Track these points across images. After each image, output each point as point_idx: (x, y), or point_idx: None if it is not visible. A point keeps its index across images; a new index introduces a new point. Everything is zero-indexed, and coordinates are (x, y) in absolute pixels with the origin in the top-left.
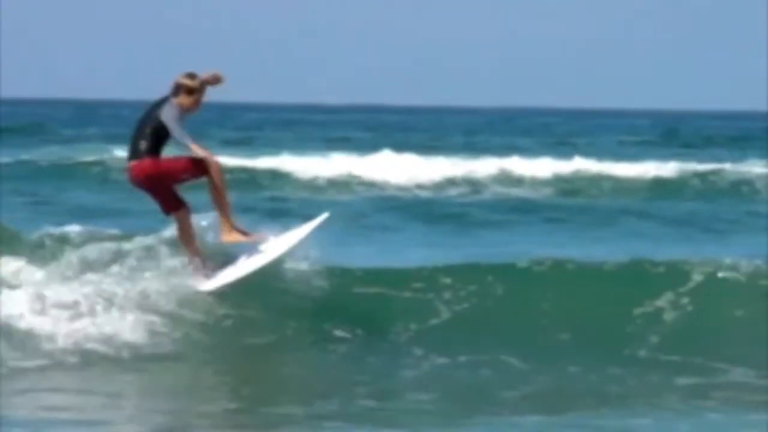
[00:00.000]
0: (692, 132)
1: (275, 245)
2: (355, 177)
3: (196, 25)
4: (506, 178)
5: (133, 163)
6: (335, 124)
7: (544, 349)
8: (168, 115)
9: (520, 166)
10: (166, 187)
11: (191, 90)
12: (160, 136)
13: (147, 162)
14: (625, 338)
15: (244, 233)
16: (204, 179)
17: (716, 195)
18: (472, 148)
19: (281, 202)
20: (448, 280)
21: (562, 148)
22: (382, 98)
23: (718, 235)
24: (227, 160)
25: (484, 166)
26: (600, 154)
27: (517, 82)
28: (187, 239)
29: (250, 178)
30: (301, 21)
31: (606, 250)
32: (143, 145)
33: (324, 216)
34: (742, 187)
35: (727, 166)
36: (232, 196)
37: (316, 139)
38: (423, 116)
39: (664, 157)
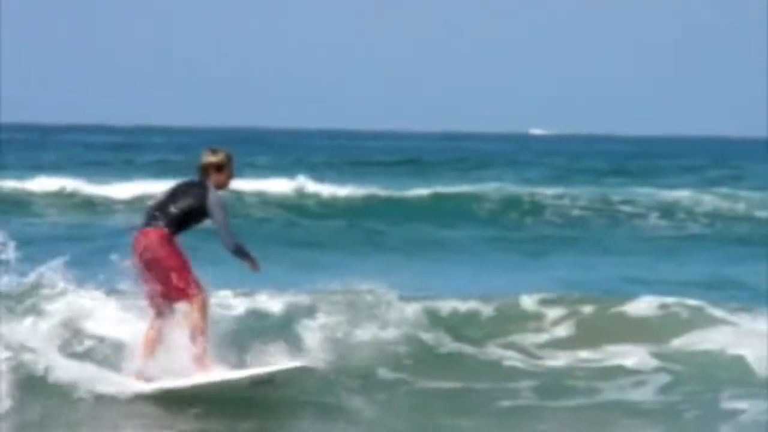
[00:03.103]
0: (445, 154)
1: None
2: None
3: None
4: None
5: (147, 229)
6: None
7: None
8: (215, 204)
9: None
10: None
11: (220, 166)
12: (187, 219)
13: (160, 233)
14: None
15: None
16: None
17: (453, 217)
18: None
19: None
20: None
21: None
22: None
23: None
24: None
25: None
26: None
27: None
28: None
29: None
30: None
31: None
32: (162, 220)
33: (295, 365)
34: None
35: (464, 187)
36: None
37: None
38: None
39: (406, 177)
